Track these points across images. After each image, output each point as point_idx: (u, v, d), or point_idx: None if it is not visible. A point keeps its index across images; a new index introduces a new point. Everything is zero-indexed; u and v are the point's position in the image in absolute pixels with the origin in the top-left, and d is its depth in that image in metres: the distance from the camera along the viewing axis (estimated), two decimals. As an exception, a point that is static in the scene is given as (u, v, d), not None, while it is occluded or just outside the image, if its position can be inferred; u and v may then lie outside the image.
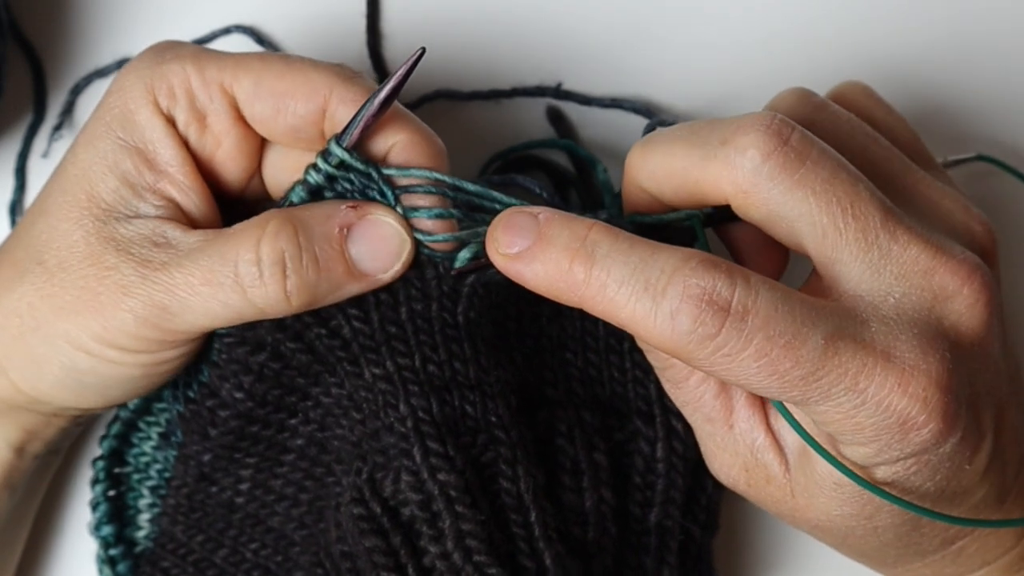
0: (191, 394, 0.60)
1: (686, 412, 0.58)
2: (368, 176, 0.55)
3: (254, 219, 0.55)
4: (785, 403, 0.53)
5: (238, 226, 0.55)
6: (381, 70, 0.70)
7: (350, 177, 0.55)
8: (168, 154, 0.56)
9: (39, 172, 0.71)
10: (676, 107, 0.70)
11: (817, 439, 0.53)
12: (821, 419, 0.52)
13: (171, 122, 0.56)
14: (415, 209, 0.55)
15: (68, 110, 0.71)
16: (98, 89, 0.70)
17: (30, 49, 0.71)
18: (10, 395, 0.59)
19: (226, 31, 0.71)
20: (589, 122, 0.70)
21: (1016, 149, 0.71)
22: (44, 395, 0.58)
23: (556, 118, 0.70)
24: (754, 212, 0.53)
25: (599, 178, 0.66)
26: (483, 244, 0.55)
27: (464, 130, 0.70)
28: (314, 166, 0.55)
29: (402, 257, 0.55)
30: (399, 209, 0.55)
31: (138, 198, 0.56)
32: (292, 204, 0.56)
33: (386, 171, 0.55)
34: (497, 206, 0.56)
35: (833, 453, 0.53)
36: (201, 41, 0.70)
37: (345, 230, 0.55)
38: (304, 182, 0.56)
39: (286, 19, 0.71)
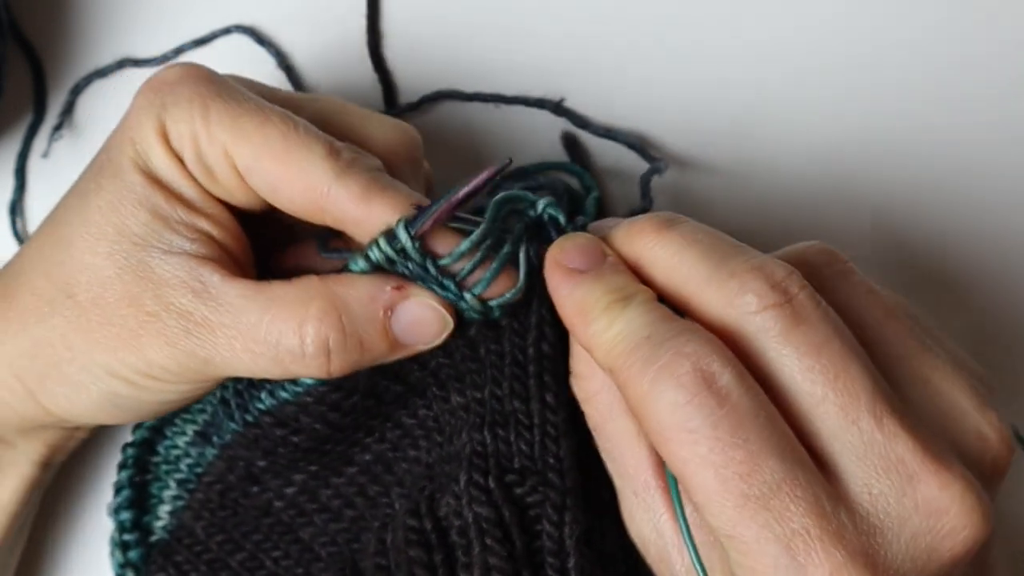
0: (249, 418, 0.59)
1: (604, 459, 0.56)
2: (424, 268, 0.54)
3: (296, 291, 0.54)
4: (715, 528, 0.49)
5: (279, 291, 0.54)
6: (381, 70, 0.70)
7: (407, 265, 0.54)
8: (191, 192, 0.56)
9: (39, 172, 0.71)
10: (671, 141, 0.70)
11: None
12: (737, 559, 0.48)
13: (182, 161, 0.56)
14: (477, 283, 0.55)
15: (68, 110, 0.70)
16: (98, 89, 0.70)
17: (30, 49, 0.71)
18: (38, 416, 0.59)
19: (226, 31, 0.70)
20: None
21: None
22: (77, 417, 0.59)
23: (571, 144, 0.70)
24: (734, 349, 0.50)
25: (588, 204, 0.65)
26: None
27: (464, 130, 0.70)
28: (377, 244, 0.54)
29: (443, 334, 0.55)
30: (466, 295, 0.55)
31: (171, 231, 0.55)
32: (348, 270, 0.56)
33: (441, 262, 0.54)
34: (530, 213, 0.56)
35: None
36: (201, 41, 0.70)
37: (389, 311, 0.55)
38: (366, 257, 0.55)
39: (286, 19, 0.71)
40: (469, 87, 0.70)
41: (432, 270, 0.54)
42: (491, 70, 0.70)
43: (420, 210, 0.54)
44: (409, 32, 0.71)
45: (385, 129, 0.58)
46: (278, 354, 0.54)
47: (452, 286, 0.55)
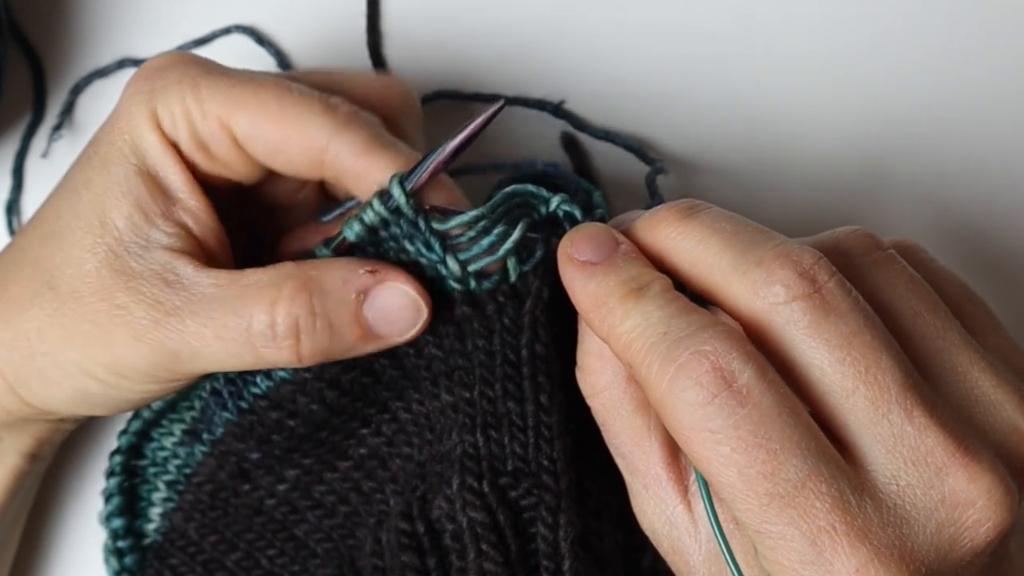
0: (243, 405, 0.59)
1: (613, 455, 0.55)
2: (415, 225, 0.54)
3: (270, 275, 0.55)
4: (742, 523, 0.49)
5: (253, 278, 0.55)
6: (381, 70, 0.70)
7: (400, 223, 0.54)
8: (177, 181, 0.56)
9: (38, 172, 0.71)
10: (673, 143, 0.70)
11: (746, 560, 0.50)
12: (764, 552, 0.48)
13: (176, 147, 0.56)
14: (465, 251, 0.55)
15: (68, 110, 0.70)
16: (98, 89, 0.70)
17: (30, 49, 0.71)
18: (20, 409, 0.59)
19: (226, 31, 0.71)
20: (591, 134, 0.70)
21: None
22: (55, 409, 0.59)
23: (570, 144, 0.70)
24: (762, 339, 0.50)
25: (595, 202, 0.65)
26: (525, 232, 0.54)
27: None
28: (371, 205, 0.54)
29: (417, 324, 0.55)
30: (449, 259, 0.55)
31: (150, 225, 0.55)
32: (344, 239, 0.56)
33: (435, 225, 0.54)
34: (541, 210, 0.55)
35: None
36: (201, 41, 0.70)
37: (362, 295, 0.54)
38: (360, 220, 0.55)
39: (286, 19, 0.71)
40: (469, 87, 0.70)
41: (423, 226, 0.54)
42: (491, 70, 0.70)
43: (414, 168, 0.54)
44: (409, 32, 0.70)
45: (377, 85, 0.59)
46: (249, 338, 0.54)
47: (438, 247, 0.54)
